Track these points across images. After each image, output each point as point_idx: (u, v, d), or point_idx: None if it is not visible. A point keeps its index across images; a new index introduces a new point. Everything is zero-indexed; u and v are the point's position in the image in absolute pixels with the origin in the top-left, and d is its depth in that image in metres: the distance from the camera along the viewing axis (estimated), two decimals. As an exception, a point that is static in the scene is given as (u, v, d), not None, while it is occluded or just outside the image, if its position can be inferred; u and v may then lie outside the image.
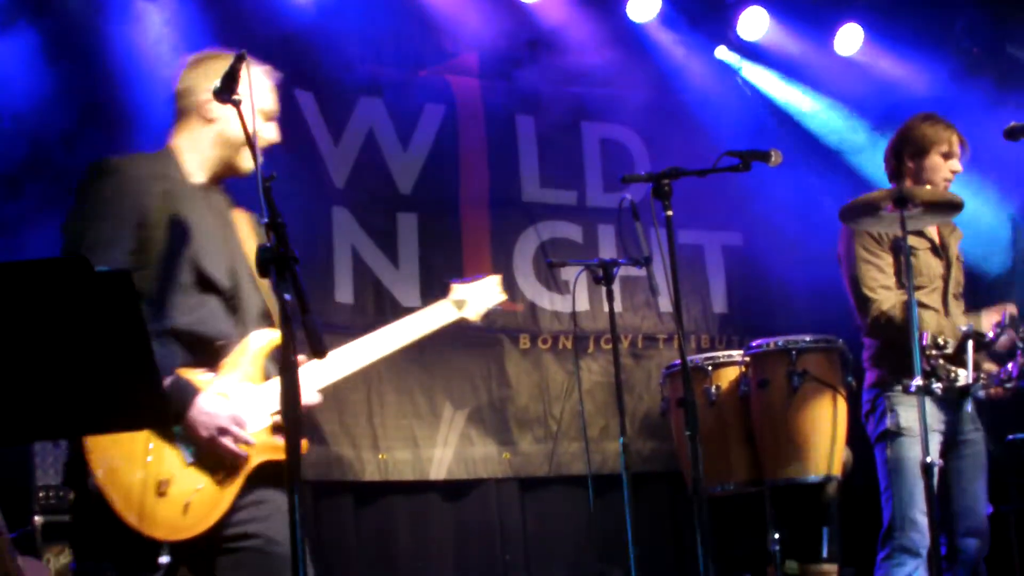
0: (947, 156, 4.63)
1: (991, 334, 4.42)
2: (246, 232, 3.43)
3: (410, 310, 6.03)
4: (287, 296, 2.55)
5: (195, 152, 3.33)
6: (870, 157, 7.01)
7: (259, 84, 3.36)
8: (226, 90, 2.86)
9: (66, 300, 2.21)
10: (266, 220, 2.62)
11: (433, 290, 6.30)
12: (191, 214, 3.22)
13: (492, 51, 6.60)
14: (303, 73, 6.04)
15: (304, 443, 3.13)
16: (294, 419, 2.55)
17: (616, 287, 4.92)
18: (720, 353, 5.41)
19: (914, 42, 7.12)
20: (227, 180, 3.44)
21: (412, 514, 6.08)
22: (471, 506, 6.21)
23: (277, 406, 3.18)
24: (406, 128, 6.37)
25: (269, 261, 2.57)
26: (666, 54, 6.95)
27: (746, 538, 5.65)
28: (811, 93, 7.29)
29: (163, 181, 3.24)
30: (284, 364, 2.57)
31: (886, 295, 4.52)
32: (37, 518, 4.92)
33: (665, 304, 6.44)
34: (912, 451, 4.37)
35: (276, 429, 3.20)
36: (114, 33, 5.38)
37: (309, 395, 3.30)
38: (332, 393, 5.75)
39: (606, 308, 4.96)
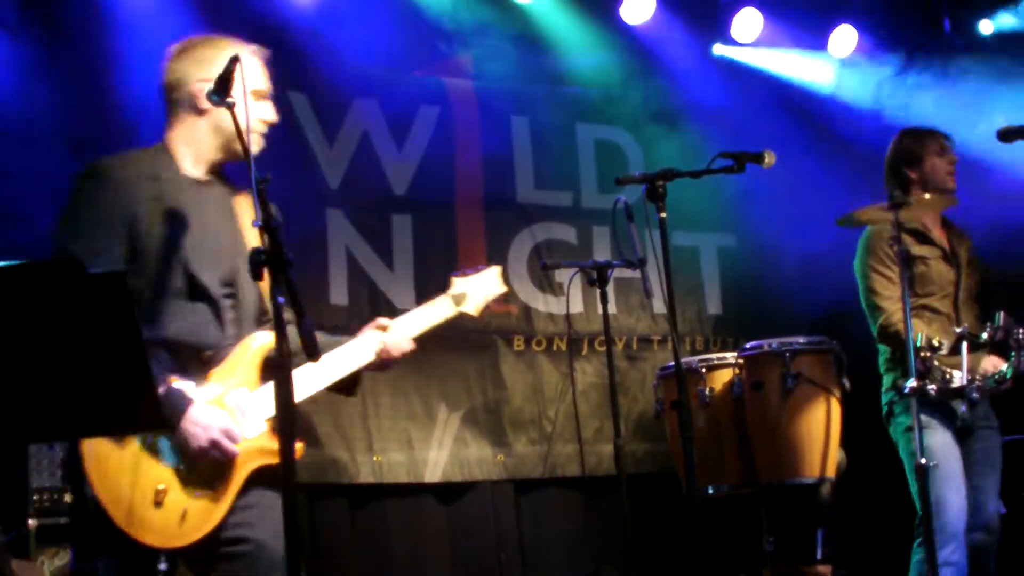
0: (941, 153, 4.89)
1: (985, 335, 4.47)
2: (250, 224, 3.33)
3: (405, 312, 6.09)
4: (281, 299, 2.56)
5: (190, 145, 3.27)
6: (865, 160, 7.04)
7: (248, 65, 3.23)
8: (220, 92, 2.86)
9: (58, 302, 2.21)
10: (260, 223, 2.62)
11: (428, 291, 6.28)
12: (186, 216, 3.18)
13: (486, 52, 6.59)
14: (297, 75, 6.04)
15: (300, 446, 3.14)
16: (288, 421, 2.55)
17: (610, 289, 4.91)
18: (714, 355, 5.42)
19: (905, 43, 7.15)
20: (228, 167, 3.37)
21: (407, 516, 6.07)
22: (466, 508, 6.20)
23: (272, 410, 3.16)
24: (401, 130, 6.36)
25: (263, 264, 2.57)
26: (660, 55, 6.95)
27: (740, 539, 5.65)
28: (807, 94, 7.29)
29: (156, 182, 3.18)
30: (278, 365, 2.57)
31: (893, 306, 4.63)
32: (31, 521, 4.90)
33: (659, 306, 6.40)
34: (934, 438, 4.51)
35: (274, 432, 3.17)
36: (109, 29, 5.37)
37: (304, 395, 3.26)
38: (326, 395, 5.81)
39: (600, 310, 4.97)
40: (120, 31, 5.35)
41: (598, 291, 4.87)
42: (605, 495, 6.06)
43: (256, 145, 3.31)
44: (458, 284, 3.62)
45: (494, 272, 3.69)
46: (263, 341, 3.21)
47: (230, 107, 2.87)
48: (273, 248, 2.60)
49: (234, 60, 2.86)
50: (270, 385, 3.18)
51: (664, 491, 5.93)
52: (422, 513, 6.11)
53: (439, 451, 6.09)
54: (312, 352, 2.60)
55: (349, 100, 6.24)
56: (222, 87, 2.87)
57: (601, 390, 6.42)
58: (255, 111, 3.27)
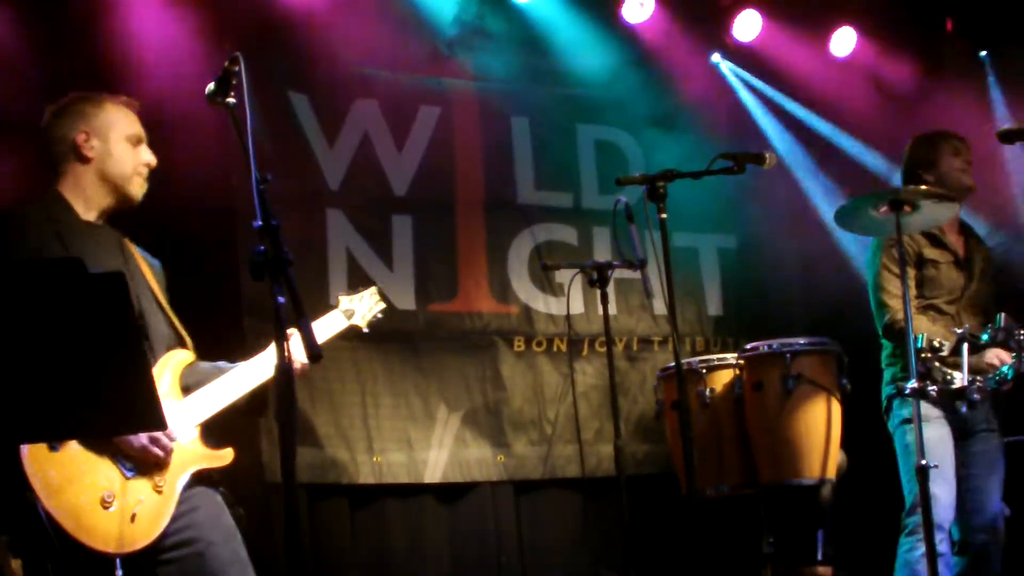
0: (955, 153, 4.93)
1: (987, 336, 4.47)
2: (143, 265, 3.55)
3: (404, 312, 6.10)
4: (280, 299, 2.55)
5: (79, 193, 3.44)
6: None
7: (122, 116, 3.51)
8: (220, 93, 2.86)
9: (59, 302, 2.21)
10: (260, 223, 2.62)
11: (429, 291, 6.31)
12: (86, 250, 3.31)
13: (487, 53, 6.59)
14: (298, 75, 6.04)
15: (229, 451, 3.40)
16: (289, 422, 2.56)
17: (611, 289, 4.91)
18: (714, 356, 5.42)
19: (907, 44, 7.15)
20: (119, 212, 3.53)
21: (407, 517, 6.06)
22: (466, 509, 6.20)
23: (201, 417, 3.36)
24: (401, 130, 6.36)
25: (263, 265, 2.57)
26: (660, 56, 6.94)
27: (740, 541, 5.65)
28: (806, 97, 7.28)
29: (56, 224, 3.34)
30: (280, 367, 2.57)
31: (898, 304, 4.65)
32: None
33: (660, 307, 6.43)
34: (931, 432, 4.50)
35: (205, 438, 3.37)
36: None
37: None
38: (327, 395, 5.83)
39: (601, 310, 4.97)
40: (123, 33, 5.35)
41: (598, 292, 4.87)
42: (605, 496, 6.06)
43: (140, 188, 3.52)
44: (345, 302, 3.88)
45: (373, 291, 3.98)
46: (181, 357, 3.43)
47: (230, 108, 2.86)
48: (273, 248, 2.60)
49: (234, 61, 2.85)
50: (194, 395, 3.38)
51: (664, 492, 5.93)
52: (422, 514, 6.10)
53: (439, 452, 6.09)
54: (313, 352, 2.60)
55: (349, 100, 6.24)
56: (222, 88, 2.87)
57: (601, 391, 6.42)
58: (136, 156, 3.50)
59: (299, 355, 3.45)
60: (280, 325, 2.56)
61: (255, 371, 3.46)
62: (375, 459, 5.93)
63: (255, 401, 3.50)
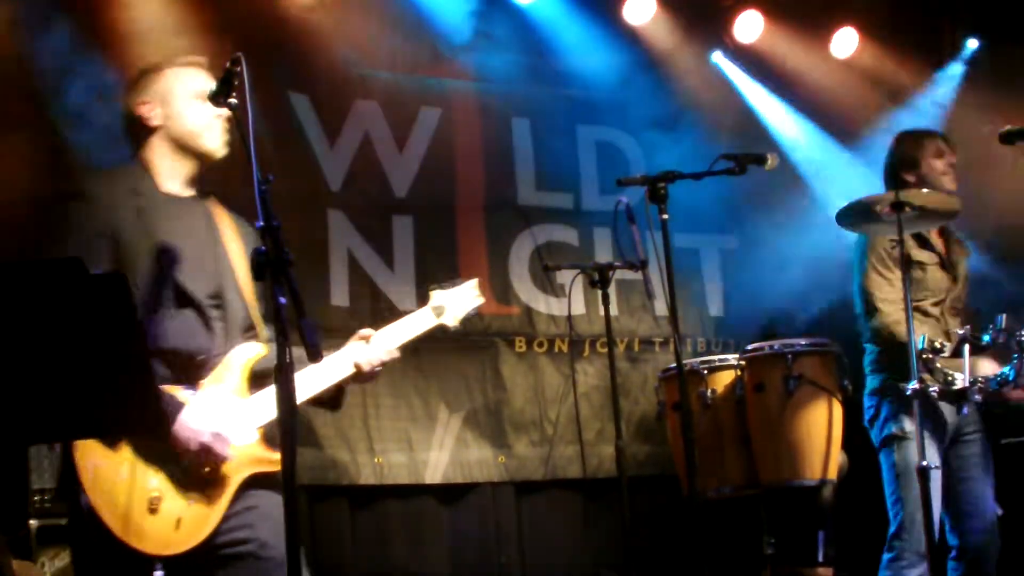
0: (939, 154, 4.86)
1: (987, 337, 4.46)
2: (232, 238, 3.43)
3: (406, 313, 6.08)
4: (282, 300, 2.55)
5: (160, 160, 3.36)
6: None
7: (184, 75, 3.41)
8: (220, 94, 2.86)
9: (59, 302, 2.20)
10: (261, 224, 2.62)
11: (428, 293, 6.28)
12: (169, 230, 3.25)
13: (487, 54, 6.59)
14: (298, 76, 6.04)
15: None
16: (289, 423, 2.55)
17: (612, 291, 4.91)
18: (716, 357, 5.42)
19: (908, 44, 7.15)
20: (206, 176, 3.45)
21: (408, 518, 6.06)
22: (467, 510, 6.20)
23: (264, 419, 3.22)
24: (402, 131, 6.36)
25: (264, 265, 2.57)
26: (661, 57, 6.95)
27: (741, 542, 5.64)
28: (806, 97, 7.28)
29: (137, 197, 3.26)
30: (279, 367, 2.57)
31: (891, 308, 4.62)
32: (32, 521, 4.90)
33: (661, 308, 6.38)
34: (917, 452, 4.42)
35: (266, 441, 3.23)
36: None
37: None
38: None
39: (602, 311, 4.97)
40: (123, 32, 5.34)
41: (600, 293, 4.87)
42: (606, 497, 6.06)
43: (218, 140, 3.39)
44: (437, 296, 3.59)
45: (472, 284, 3.65)
46: (253, 351, 3.29)
47: (232, 108, 2.86)
48: (274, 248, 2.59)
49: (235, 62, 2.85)
50: (260, 394, 3.24)
51: (665, 493, 5.93)
52: (422, 514, 6.10)
53: (440, 452, 6.09)
54: (313, 353, 2.60)
55: (350, 101, 6.24)
56: (222, 89, 2.87)
57: (602, 392, 6.42)
58: (209, 109, 3.34)
59: (383, 348, 3.40)
60: (281, 325, 2.55)
61: (333, 367, 3.30)
62: (376, 460, 5.93)
63: (328, 395, 3.37)
